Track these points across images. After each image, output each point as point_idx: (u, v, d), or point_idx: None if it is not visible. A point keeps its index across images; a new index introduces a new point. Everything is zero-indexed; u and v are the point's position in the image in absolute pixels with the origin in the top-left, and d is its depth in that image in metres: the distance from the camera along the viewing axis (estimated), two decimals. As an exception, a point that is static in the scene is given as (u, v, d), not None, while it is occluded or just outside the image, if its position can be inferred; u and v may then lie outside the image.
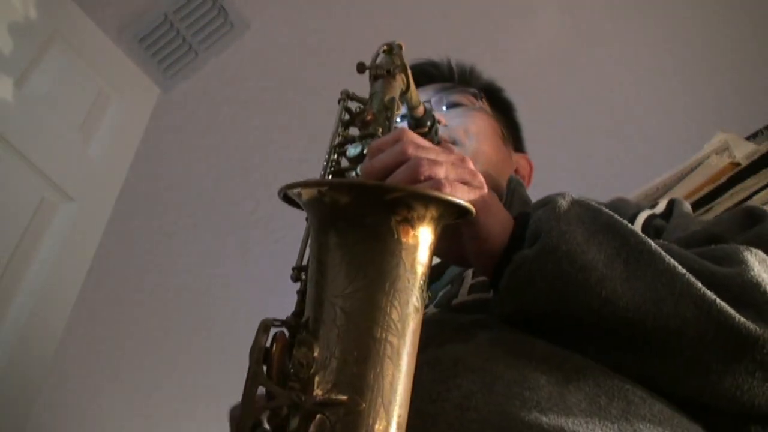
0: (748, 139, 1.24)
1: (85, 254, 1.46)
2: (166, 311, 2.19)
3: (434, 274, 0.77)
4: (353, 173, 0.59)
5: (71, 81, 1.49)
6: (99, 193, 1.52)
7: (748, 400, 0.51)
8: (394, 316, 0.44)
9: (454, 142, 0.88)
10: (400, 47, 0.70)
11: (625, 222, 0.56)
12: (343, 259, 0.45)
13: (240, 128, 1.99)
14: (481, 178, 0.57)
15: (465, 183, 0.54)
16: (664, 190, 1.20)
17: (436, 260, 0.81)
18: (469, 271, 0.71)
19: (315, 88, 1.88)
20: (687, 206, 0.76)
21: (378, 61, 0.69)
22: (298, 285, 0.54)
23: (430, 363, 0.54)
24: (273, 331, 0.46)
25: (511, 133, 1.04)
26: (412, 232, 0.46)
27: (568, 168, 1.94)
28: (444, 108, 0.95)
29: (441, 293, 0.72)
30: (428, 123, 0.80)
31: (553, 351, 0.54)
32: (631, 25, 1.90)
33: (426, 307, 0.71)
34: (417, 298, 0.45)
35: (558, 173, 1.89)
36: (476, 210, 0.53)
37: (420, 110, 0.78)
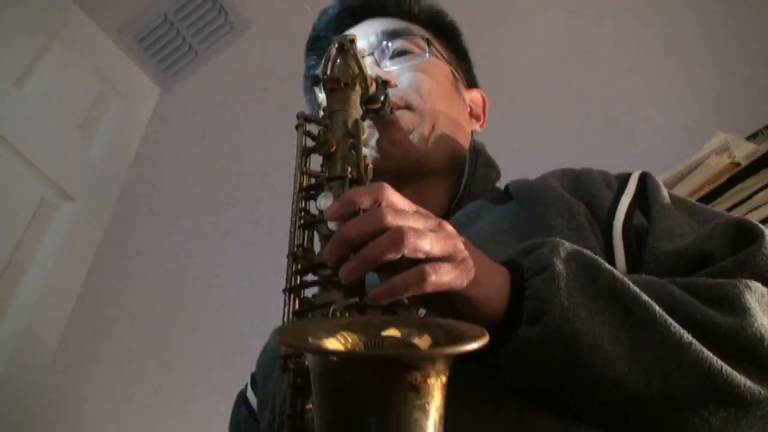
0: (748, 139, 1.24)
1: (85, 254, 1.46)
2: (166, 311, 2.19)
3: None
4: (326, 226, 0.54)
5: (71, 81, 1.49)
6: (99, 193, 1.52)
7: None
8: None
9: (408, 107, 0.82)
10: (352, 42, 0.65)
11: (627, 282, 0.53)
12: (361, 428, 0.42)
13: (240, 128, 1.99)
14: (461, 244, 0.52)
15: (449, 258, 0.50)
16: (664, 190, 1.20)
17: None
18: None
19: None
20: (662, 189, 0.72)
21: (333, 68, 0.64)
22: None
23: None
24: None
25: (461, 67, 0.96)
26: (424, 386, 0.43)
27: (567, 167, 1.94)
28: (389, 59, 0.87)
29: None
30: (381, 98, 0.74)
31: (561, 426, 0.53)
32: (631, 25, 1.90)
33: None
34: None
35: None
36: (465, 286, 0.50)
37: (372, 88, 0.72)
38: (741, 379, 0.50)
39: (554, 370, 0.51)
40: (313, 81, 0.64)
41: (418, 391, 0.42)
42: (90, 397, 2.19)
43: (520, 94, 1.90)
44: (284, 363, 0.51)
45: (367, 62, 0.81)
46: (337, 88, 0.62)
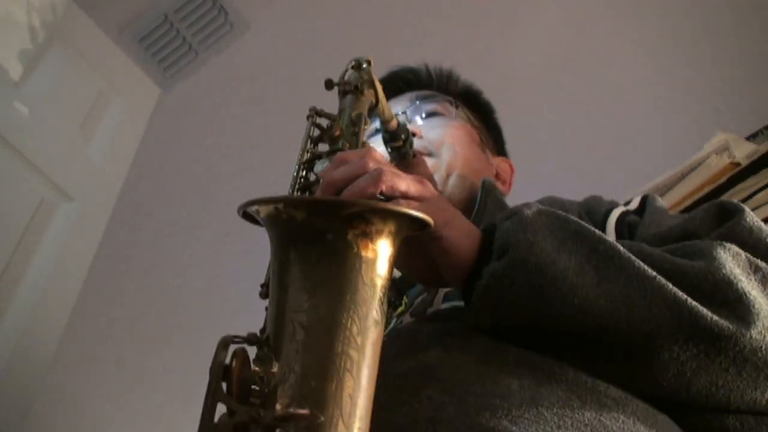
0: (748, 139, 1.24)
1: (85, 254, 1.46)
2: (166, 311, 2.19)
3: (411, 281, 0.77)
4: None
5: (71, 81, 1.49)
6: (99, 193, 1.52)
7: (724, 396, 0.51)
8: (354, 329, 0.44)
9: (429, 154, 0.88)
10: (369, 63, 0.71)
11: (594, 229, 0.56)
12: (302, 275, 0.46)
13: (240, 128, 1.99)
14: (439, 196, 0.57)
15: (424, 198, 0.55)
16: (664, 190, 1.20)
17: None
18: None
19: (315, 88, 1.87)
20: (660, 201, 0.76)
21: (346, 77, 0.70)
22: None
23: (401, 374, 0.55)
24: (234, 348, 0.46)
25: (491, 137, 1.03)
26: (370, 246, 0.46)
27: (568, 168, 1.94)
28: (421, 118, 0.95)
29: (418, 300, 0.72)
30: (402, 136, 0.79)
31: (525, 356, 0.54)
32: (631, 25, 1.90)
33: (402, 314, 0.71)
34: (377, 311, 0.46)
35: (557, 173, 1.89)
36: (439, 225, 0.54)
37: (393, 124, 0.78)
38: (707, 311, 0.50)
39: (522, 302, 0.53)
40: (326, 85, 0.69)
41: (363, 246, 0.45)
42: (90, 397, 2.19)
43: (520, 95, 1.90)
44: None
45: (400, 119, 0.86)
46: (349, 91, 0.68)
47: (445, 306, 0.67)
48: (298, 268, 0.46)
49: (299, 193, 0.62)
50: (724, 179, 1.10)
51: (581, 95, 1.96)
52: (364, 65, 0.70)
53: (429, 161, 0.87)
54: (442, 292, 0.69)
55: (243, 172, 2.03)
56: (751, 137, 1.25)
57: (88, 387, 2.17)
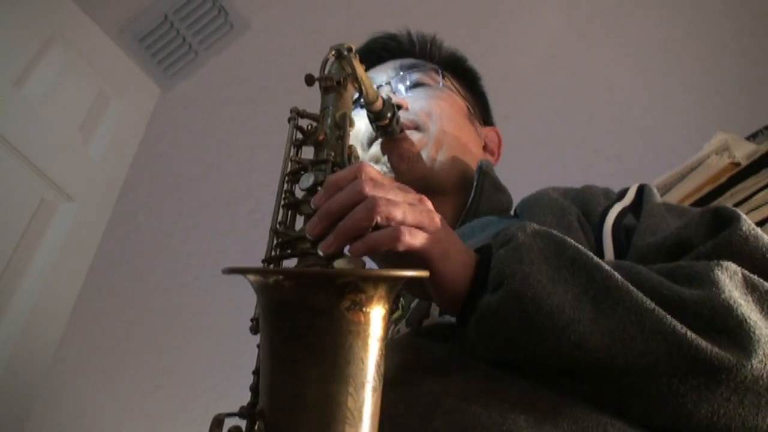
0: (748, 139, 1.24)
1: (85, 254, 1.46)
2: (166, 311, 2.19)
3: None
4: (307, 206, 0.56)
5: (71, 81, 1.49)
6: (99, 193, 1.52)
7: (725, 424, 0.50)
8: (350, 404, 0.43)
9: (417, 127, 0.86)
10: (350, 50, 0.67)
11: (590, 255, 0.54)
12: (294, 347, 0.44)
13: (240, 128, 1.99)
14: (438, 219, 0.55)
15: (422, 228, 0.53)
16: (664, 190, 1.20)
17: None
18: None
19: (315, 88, 1.87)
20: (656, 195, 0.75)
21: (327, 70, 0.67)
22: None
23: (407, 401, 0.54)
24: (228, 424, 0.46)
25: (478, 105, 1.00)
26: (362, 313, 0.45)
27: (568, 168, 1.94)
28: (406, 88, 0.92)
29: (413, 305, 0.70)
30: (388, 114, 0.77)
31: (529, 389, 0.53)
32: (631, 24, 1.90)
33: (399, 319, 0.70)
34: (373, 377, 0.45)
35: (557, 173, 1.89)
36: (435, 258, 0.53)
37: (378, 104, 0.75)
38: (706, 344, 0.49)
39: (517, 336, 0.52)
40: (306, 80, 0.65)
41: (357, 315, 0.44)
42: (90, 397, 2.19)
43: (519, 95, 1.90)
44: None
45: (384, 91, 0.85)
46: (331, 86, 0.64)
47: (441, 320, 0.65)
48: (290, 339, 0.45)
49: (285, 211, 0.59)
50: (724, 179, 1.10)
51: (581, 95, 1.96)
52: (345, 53, 0.66)
53: (416, 135, 0.85)
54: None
55: (243, 172, 2.03)
56: (751, 137, 1.25)
57: (88, 387, 2.17)
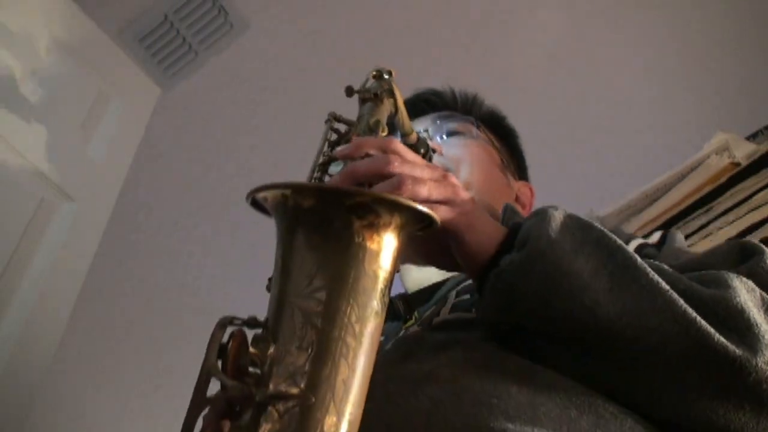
0: (748, 139, 1.24)
1: (85, 254, 1.46)
2: (166, 311, 2.19)
3: (422, 299, 0.78)
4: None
5: (71, 81, 1.49)
6: (99, 193, 1.52)
7: (723, 426, 0.51)
8: (352, 317, 0.45)
9: (448, 171, 0.87)
10: (390, 73, 0.71)
11: (616, 238, 0.56)
12: (305, 261, 0.47)
13: (240, 128, 1.99)
14: (465, 194, 0.57)
15: (447, 202, 0.55)
16: (664, 190, 1.20)
17: (422, 284, 0.82)
18: (453, 292, 0.72)
19: (315, 88, 1.88)
20: (681, 239, 0.76)
21: (367, 85, 0.70)
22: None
23: (402, 376, 0.55)
24: (232, 329, 0.48)
25: (513, 161, 1.03)
26: (375, 238, 0.47)
27: (568, 168, 1.94)
28: (442, 137, 0.95)
29: (426, 313, 0.72)
30: (421, 150, 0.80)
31: (526, 365, 0.55)
32: (631, 24, 1.90)
33: (411, 326, 0.72)
34: (377, 302, 0.46)
35: (557, 173, 1.89)
36: (461, 229, 0.55)
37: (413, 137, 0.78)
38: (715, 332, 0.50)
39: (534, 294, 0.53)
40: (346, 92, 0.69)
41: (368, 236, 0.46)
42: (90, 397, 2.19)
43: (519, 95, 1.90)
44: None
45: (420, 135, 0.85)
46: (368, 98, 0.69)
47: (451, 316, 0.67)
48: (302, 253, 0.47)
49: None
50: (724, 179, 1.10)
51: (581, 95, 1.96)
52: (385, 75, 0.71)
53: None
54: (450, 304, 0.70)
55: (243, 172, 2.03)
56: (751, 137, 1.25)
57: (88, 387, 2.17)
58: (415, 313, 0.75)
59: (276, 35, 1.87)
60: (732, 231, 1.05)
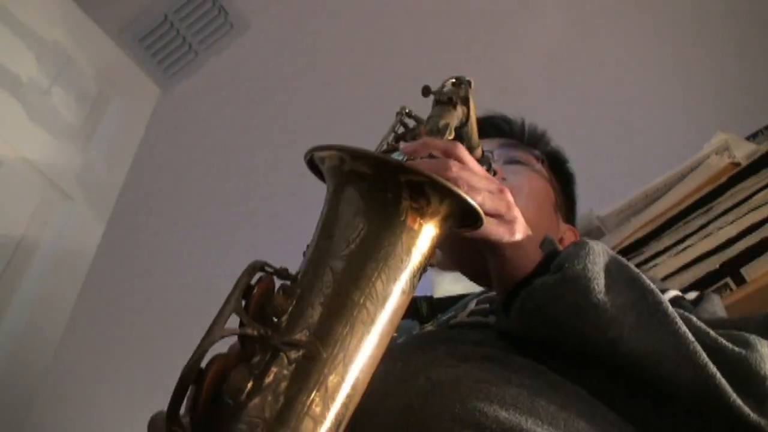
0: (748, 139, 1.24)
1: (85, 254, 1.46)
2: (166, 311, 2.19)
3: (443, 307, 0.79)
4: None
5: (71, 81, 1.49)
6: (99, 193, 1.52)
7: None
8: (378, 287, 0.45)
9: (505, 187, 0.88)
10: (469, 83, 0.71)
11: (650, 282, 0.56)
12: (348, 225, 0.47)
13: (240, 128, 1.99)
14: (517, 212, 0.58)
15: (498, 215, 0.56)
16: (664, 190, 1.20)
17: (446, 293, 0.83)
18: (474, 301, 0.72)
19: (315, 88, 1.88)
20: (718, 301, 0.75)
21: (444, 88, 0.70)
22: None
23: (409, 360, 0.56)
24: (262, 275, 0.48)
25: (565, 204, 1.03)
26: (419, 219, 0.47)
27: (568, 168, 1.94)
28: (504, 163, 0.95)
29: (444, 318, 0.73)
30: (484, 166, 0.80)
31: (531, 365, 0.55)
32: (631, 24, 1.90)
33: (427, 327, 0.73)
34: (407, 281, 0.47)
35: (558, 173, 1.89)
36: (505, 245, 0.56)
37: (478, 152, 0.77)
38: (732, 392, 0.50)
39: (560, 317, 0.53)
40: (423, 91, 0.69)
41: (411, 215, 0.47)
42: (90, 397, 2.19)
43: (519, 95, 1.90)
44: None
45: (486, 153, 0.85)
46: (442, 101, 0.69)
47: (468, 319, 0.68)
48: (346, 217, 0.48)
49: None
50: (724, 179, 1.10)
51: (581, 95, 1.96)
52: (464, 84, 0.71)
53: None
54: (469, 309, 0.70)
55: (243, 172, 2.03)
56: (751, 137, 1.25)
57: (88, 387, 2.17)
58: (433, 320, 0.76)
59: (276, 35, 1.87)
60: (732, 231, 1.05)
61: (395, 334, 0.74)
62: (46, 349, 1.33)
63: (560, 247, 0.65)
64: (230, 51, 1.87)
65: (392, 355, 0.49)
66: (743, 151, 1.13)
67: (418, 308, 0.78)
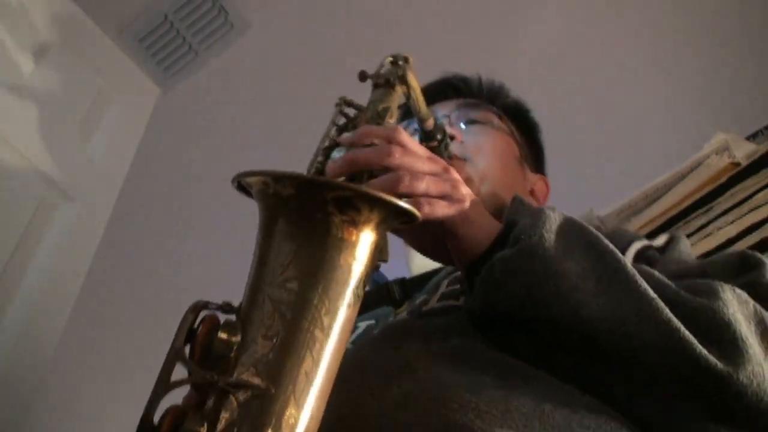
0: (748, 139, 1.24)
1: (85, 254, 1.46)
2: (166, 311, 2.19)
3: (419, 284, 0.79)
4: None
5: (71, 81, 1.49)
6: (99, 193, 1.52)
7: None
8: (322, 309, 0.44)
9: (465, 159, 0.87)
10: (406, 60, 0.70)
11: (607, 242, 0.56)
12: (281, 249, 0.46)
13: (240, 128, 1.99)
14: (464, 189, 0.57)
15: (445, 197, 0.55)
16: (664, 190, 1.20)
17: (426, 269, 0.82)
18: (445, 281, 0.72)
19: (315, 89, 1.88)
20: (686, 244, 0.76)
21: (381, 70, 0.69)
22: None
23: (379, 366, 0.56)
24: (206, 313, 0.48)
25: (531, 154, 1.03)
26: (354, 231, 0.46)
27: (568, 168, 1.94)
28: (463, 124, 0.94)
29: (417, 302, 0.72)
30: (438, 136, 0.79)
31: (503, 359, 0.55)
32: (630, 24, 1.90)
33: (401, 313, 0.72)
34: (350, 295, 0.46)
35: (557, 174, 1.88)
36: (456, 224, 0.55)
37: (430, 123, 0.77)
38: (696, 343, 0.49)
39: (521, 290, 0.53)
40: (359, 76, 0.68)
41: (348, 232, 0.46)
42: (90, 397, 2.19)
43: (520, 95, 1.90)
44: None
45: (439, 121, 0.85)
46: (380, 84, 0.68)
47: (438, 304, 0.67)
48: (278, 242, 0.47)
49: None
50: (724, 179, 1.10)
51: (581, 95, 1.96)
52: (401, 62, 0.70)
53: (462, 166, 0.86)
54: (440, 292, 0.70)
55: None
56: (751, 137, 1.25)
57: (88, 387, 2.17)
58: (407, 302, 0.75)
59: (276, 35, 1.87)
60: (732, 231, 1.05)
61: (372, 322, 0.74)
62: (47, 349, 1.33)
63: (532, 203, 0.66)
64: (230, 51, 1.88)
65: (364, 361, 0.48)
66: (743, 151, 1.13)
67: (391, 292, 0.77)
